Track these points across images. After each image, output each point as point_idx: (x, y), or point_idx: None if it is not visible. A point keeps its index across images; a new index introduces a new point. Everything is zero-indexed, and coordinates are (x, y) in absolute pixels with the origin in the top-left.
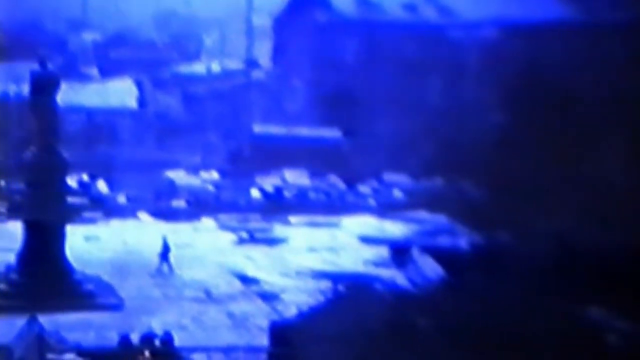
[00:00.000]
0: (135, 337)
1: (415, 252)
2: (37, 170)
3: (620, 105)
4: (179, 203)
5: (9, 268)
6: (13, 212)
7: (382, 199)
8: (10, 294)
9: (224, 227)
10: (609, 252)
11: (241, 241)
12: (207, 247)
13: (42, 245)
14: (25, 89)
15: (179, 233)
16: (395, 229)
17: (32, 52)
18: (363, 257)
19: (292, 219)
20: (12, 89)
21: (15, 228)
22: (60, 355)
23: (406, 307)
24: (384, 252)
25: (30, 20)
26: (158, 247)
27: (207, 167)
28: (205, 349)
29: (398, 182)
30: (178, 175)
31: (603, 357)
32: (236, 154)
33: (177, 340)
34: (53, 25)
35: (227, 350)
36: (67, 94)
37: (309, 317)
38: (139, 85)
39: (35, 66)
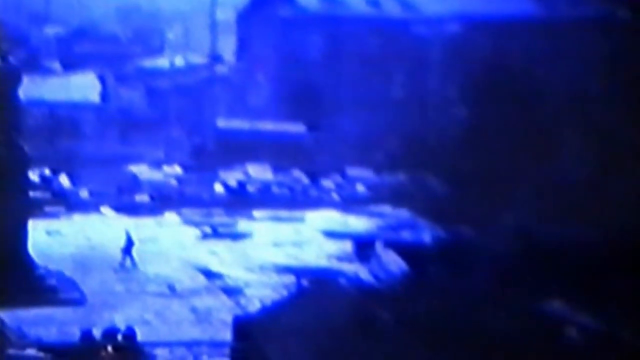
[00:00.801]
0: (97, 332)
1: (379, 247)
2: None
3: (582, 100)
4: (142, 197)
5: None
6: None
7: (345, 194)
8: None
9: (187, 221)
10: (570, 246)
11: (205, 236)
12: (170, 242)
13: (4, 240)
14: None
15: (142, 228)
16: (358, 223)
17: None
18: (327, 251)
19: (256, 213)
20: None
21: None
22: (21, 350)
23: (369, 301)
24: (347, 246)
25: None
26: (121, 242)
27: (170, 161)
28: (168, 344)
29: (361, 176)
30: (141, 170)
31: (563, 350)
32: (199, 149)
33: (140, 335)
34: (15, 18)
35: (190, 345)
36: (28, 88)
37: (273, 312)
38: (102, 79)
39: None
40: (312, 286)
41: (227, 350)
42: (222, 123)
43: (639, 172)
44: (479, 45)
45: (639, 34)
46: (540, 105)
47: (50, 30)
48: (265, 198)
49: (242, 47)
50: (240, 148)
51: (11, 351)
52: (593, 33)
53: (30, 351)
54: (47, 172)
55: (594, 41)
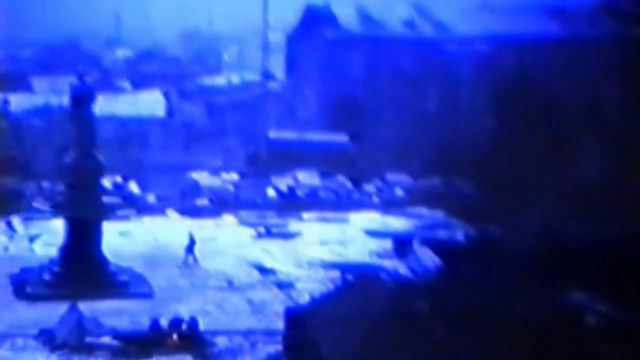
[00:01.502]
0: (164, 322)
1: (416, 244)
2: (76, 173)
3: (598, 110)
4: (203, 201)
5: (52, 261)
6: (56, 211)
7: (385, 197)
8: (53, 284)
9: (243, 223)
10: (588, 243)
11: (259, 236)
12: (228, 241)
13: (81, 240)
14: (66, 100)
15: (203, 228)
16: (397, 223)
17: (71, 68)
18: (369, 249)
19: (305, 215)
20: (54, 101)
21: (58, 225)
22: (97, 338)
23: (407, 293)
24: (387, 244)
25: (69, 39)
26: (184, 241)
27: (227, 169)
28: (227, 333)
29: (399, 181)
30: (201, 177)
31: (584, 335)
32: (253, 157)
33: (202, 325)
34: (89, 43)
35: (247, 333)
36: (102, 105)
37: (321, 304)
38: (167, 96)
39: (74, 80)
40: (356, 280)
41: (279, 339)
42: (273, 134)
43: None
44: (504, 62)
45: None
46: (560, 116)
47: (121, 53)
48: (313, 201)
49: (291, 65)
50: (290, 156)
51: (89, 339)
52: (607, 52)
53: (106, 339)
54: (118, 179)
55: (608, 57)
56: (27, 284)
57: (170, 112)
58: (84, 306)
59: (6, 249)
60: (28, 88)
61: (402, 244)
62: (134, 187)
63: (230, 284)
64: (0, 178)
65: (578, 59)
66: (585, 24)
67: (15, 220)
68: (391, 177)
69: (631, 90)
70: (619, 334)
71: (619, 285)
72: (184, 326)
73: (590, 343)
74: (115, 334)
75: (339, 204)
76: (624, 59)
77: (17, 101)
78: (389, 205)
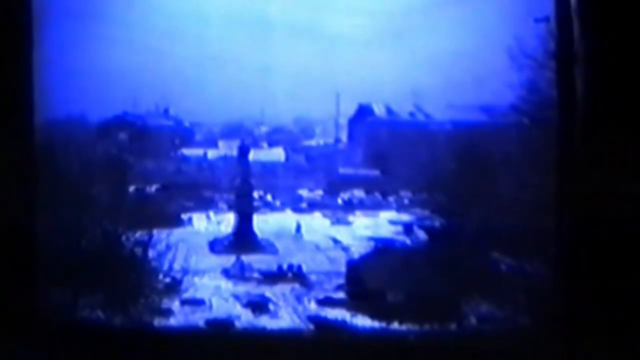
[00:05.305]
0: (285, 267)
1: (415, 228)
2: (240, 190)
3: (510, 163)
4: (304, 205)
5: (228, 234)
6: (230, 209)
7: (399, 203)
8: (229, 246)
9: (325, 216)
10: (502, 226)
11: (332, 223)
12: (317, 226)
13: (243, 224)
14: (235, 153)
15: (304, 219)
16: (406, 217)
17: (238, 136)
18: (390, 230)
19: (357, 212)
20: (229, 153)
21: (231, 217)
22: (251, 274)
23: (410, 254)
24: (399, 228)
25: (237, 122)
26: (294, 226)
27: (317, 188)
28: (316, 272)
29: (407, 195)
30: (303, 192)
31: (497, 274)
32: (331, 182)
33: (304, 269)
34: (247, 123)
35: (326, 273)
36: (253, 155)
37: (364, 258)
38: (285, 150)
39: (239, 142)
40: (383, 247)
41: (343, 276)
42: (341, 170)
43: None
44: (460, 134)
45: (533, 143)
46: (491, 163)
47: (263, 129)
48: (361, 205)
49: (351, 135)
50: (350, 182)
51: (246, 274)
52: (516, 131)
53: (255, 274)
54: (261, 193)
55: (516, 135)
56: (216, 246)
57: (287, 159)
58: (244, 258)
59: (206, 229)
60: (216, 147)
61: (407, 228)
62: (268, 197)
63: (318, 248)
64: (205, 193)
65: (500, 135)
66: (501, 116)
67: (211, 213)
68: (403, 193)
69: (527, 155)
70: (517, 274)
71: (519, 249)
72: (294, 269)
73: (498, 278)
74: (259, 272)
75: (375, 207)
76: (526, 137)
77: (211, 154)
78: (400, 208)
